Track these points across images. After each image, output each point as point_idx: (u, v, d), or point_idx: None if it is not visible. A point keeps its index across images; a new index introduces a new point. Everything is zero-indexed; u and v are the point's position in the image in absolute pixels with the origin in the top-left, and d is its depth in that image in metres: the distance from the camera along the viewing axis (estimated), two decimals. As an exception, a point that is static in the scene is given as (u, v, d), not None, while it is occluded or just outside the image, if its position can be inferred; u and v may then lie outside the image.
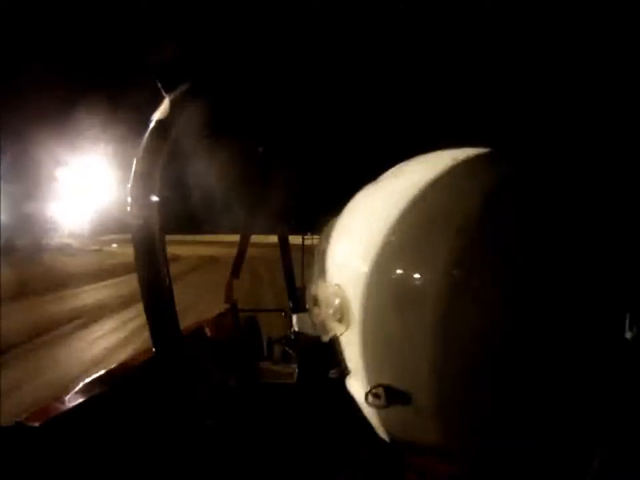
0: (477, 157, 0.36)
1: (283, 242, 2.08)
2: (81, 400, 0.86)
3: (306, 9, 0.37)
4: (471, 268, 0.31)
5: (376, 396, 0.35)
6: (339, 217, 0.42)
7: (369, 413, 0.39)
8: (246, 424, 1.18)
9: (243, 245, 2.08)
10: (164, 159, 0.43)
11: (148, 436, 0.91)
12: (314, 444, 0.97)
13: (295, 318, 1.69)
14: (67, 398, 0.87)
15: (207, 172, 0.79)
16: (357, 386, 0.39)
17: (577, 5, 0.35)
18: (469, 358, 0.31)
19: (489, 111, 0.59)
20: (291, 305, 2.03)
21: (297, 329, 1.67)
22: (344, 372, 0.41)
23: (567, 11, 0.35)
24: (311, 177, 0.95)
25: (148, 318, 0.46)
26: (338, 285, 0.37)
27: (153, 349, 0.50)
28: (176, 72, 0.41)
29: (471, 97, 0.55)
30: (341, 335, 0.38)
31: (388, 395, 0.34)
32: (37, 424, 0.76)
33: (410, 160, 0.41)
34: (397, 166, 0.41)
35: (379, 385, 0.35)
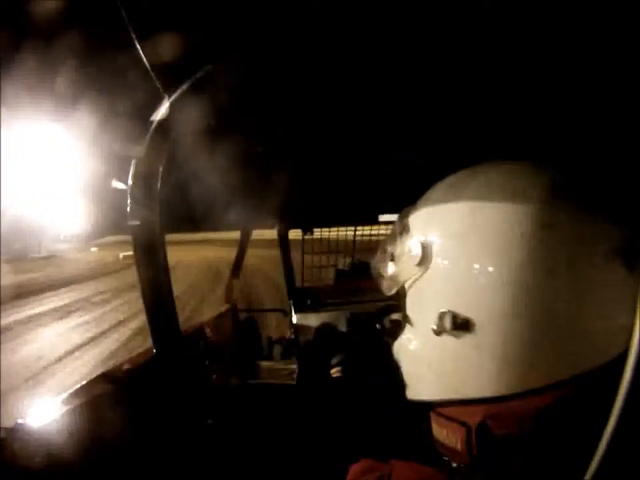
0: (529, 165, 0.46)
1: (283, 241, 2.08)
2: (81, 400, 0.86)
3: (306, 9, 0.37)
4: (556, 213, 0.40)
5: (441, 323, 0.43)
6: (422, 198, 0.52)
7: (417, 356, 0.48)
8: (246, 424, 1.18)
9: (243, 244, 2.07)
10: (164, 159, 0.43)
11: (148, 436, 0.91)
12: (314, 444, 0.97)
13: (295, 317, 1.69)
14: (67, 398, 0.87)
15: (207, 169, 0.79)
16: (412, 332, 0.49)
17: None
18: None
19: (486, 112, 0.59)
20: (291, 304, 2.03)
21: (297, 329, 1.67)
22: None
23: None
24: (310, 175, 0.95)
25: (148, 318, 0.46)
26: (421, 235, 0.47)
27: (154, 349, 0.51)
28: (176, 71, 0.41)
29: (467, 96, 0.55)
30: (414, 280, 0.48)
31: (455, 320, 0.42)
32: (36, 424, 0.76)
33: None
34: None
35: (448, 311, 0.43)
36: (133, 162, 0.42)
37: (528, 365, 0.40)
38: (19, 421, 0.77)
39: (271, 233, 2.11)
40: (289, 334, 2.22)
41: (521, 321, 0.39)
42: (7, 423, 0.77)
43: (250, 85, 0.48)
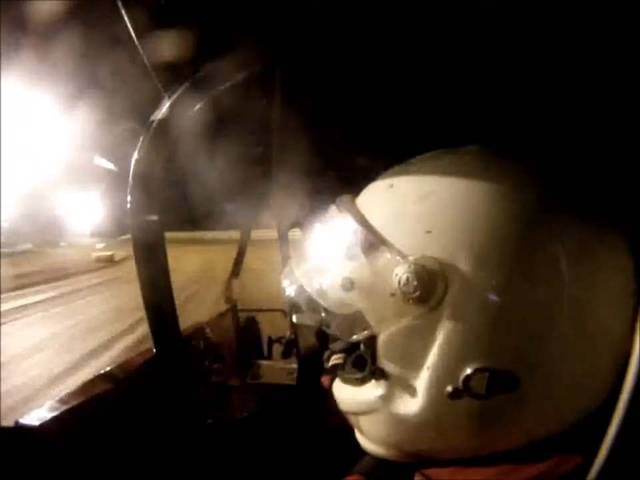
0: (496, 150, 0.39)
1: (283, 241, 2.08)
2: (81, 400, 0.86)
3: (307, 8, 0.37)
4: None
5: (468, 384, 0.30)
6: (373, 194, 0.40)
7: (408, 420, 0.34)
8: (246, 424, 1.18)
9: (243, 243, 2.07)
10: (164, 159, 0.43)
11: (148, 436, 0.91)
12: (314, 444, 0.97)
13: (295, 317, 1.68)
14: (67, 398, 0.87)
15: (206, 169, 0.79)
16: (388, 392, 0.35)
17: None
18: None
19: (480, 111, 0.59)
20: (291, 305, 2.03)
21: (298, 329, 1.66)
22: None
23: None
24: (310, 175, 0.95)
25: (148, 318, 0.46)
26: (424, 257, 0.31)
27: (153, 349, 0.50)
28: (176, 71, 0.41)
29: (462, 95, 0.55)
30: (409, 321, 0.33)
31: (495, 379, 0.29)
32: (37, 424, 0.76)
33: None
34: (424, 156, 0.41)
35: (481, 369, 0.29)
36: (133, 162, 0.42)
37: (575, 404, 0.32)
38: (19, 420, 0.77)
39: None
40: (288, 334, 2.22)
41: (566, 362, 0.31)
42: (7, 423, 0.77)
43: (250, 85, 0.48)
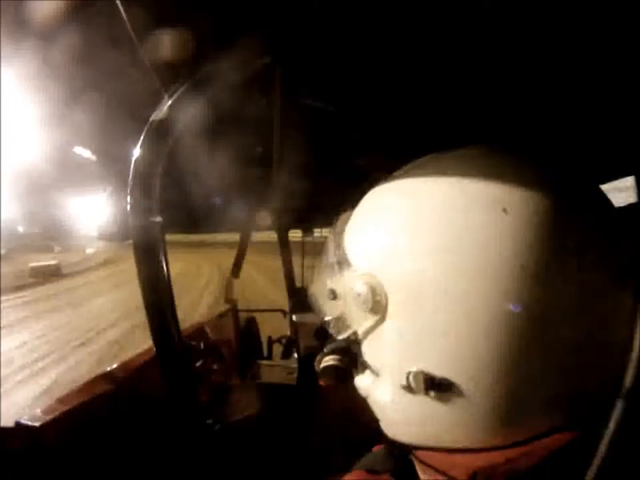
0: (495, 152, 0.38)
1: (283, 241, 2.08)
2: (81, 400, 0.86)
3: (306, 9, 0.37)
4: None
5: (413, 382, 0.34)
6: (357, 209, 0.43)
7: (388, 407, 0.39)
8: (246, 424, 1.19)
9: (243, 244, 2.08)
10: (164, 159, 0.43)
11: (148, 436, 0.91)
12: (314, 444, 0.97)
13: (295, 317, 1.68)
14: (67, 398, 0.87)
15: (206, 170, 0.79)
16: (375, 382, 0.40)
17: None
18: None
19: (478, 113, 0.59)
20: (291, 305, 2.03)
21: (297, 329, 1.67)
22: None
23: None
24: (310, 175, 0.95)
25: (148, 318, 0.46)
26: (369, 273, 0.37)
27: (154, 349, 0.50)
28: (176, 70, 0.41)
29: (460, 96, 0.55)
30: (369, 327, 0.38)
31: (428, 382, 0.34)
32: (37, 424, 0.76)
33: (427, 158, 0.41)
34: (412, 165, 0.41)
35: (420, 371, 0.34)
36: (133, 161, 0.42)
37: (523, 416, 0.34)
38: (19, 420, 0.77)
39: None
40: (288, 334, 2.22)
41: (515, 375, 0.33)
42: (7, 423, 0.77)
43: (250, 85, 0.48)
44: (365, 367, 0.41)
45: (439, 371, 0.34)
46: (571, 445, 0.33)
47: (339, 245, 0.42)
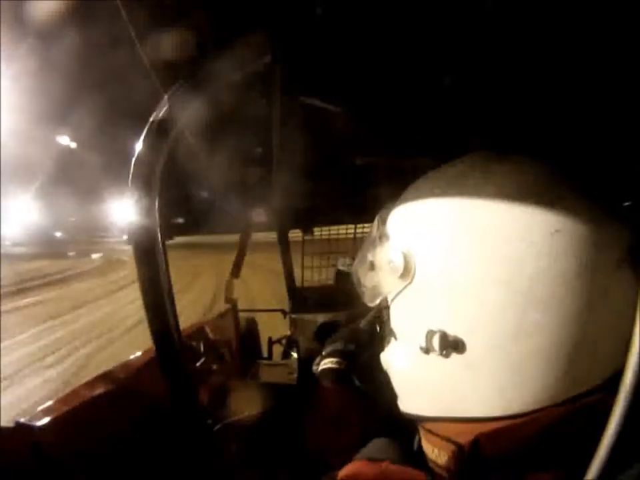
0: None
1: (283, 241, 2.08)
2: (81, 400, 0.86)
3: (306, 10, 0.37)
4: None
5: (429, 343, 0.39)
6: (402, 196, 0.47)
7: (406, 374, 0.44)
8: (246, 424, 1.18)
9: (243, 244, 2.07)
10: (163, 159, 0.43)
11: (148, 436, 0.91)
12: (314, 443, 0.97)
13: (295, 317, 1.68)
14: (67, 398, 0.87)
15: (205, 170, 0.79)
16: (398, 347, 0.45)
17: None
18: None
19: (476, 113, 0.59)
20: (291, 305, 2.03)
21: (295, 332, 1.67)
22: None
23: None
24: (310, 175, 0.95)
25: (148, 318, 0.46)
26: (404, 245, 0.42)
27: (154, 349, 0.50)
28: (176, 70, 0.41)
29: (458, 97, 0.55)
30: (398, 293, 0.43)
31: (443, 340, 0.38)
32: (37, 424, 0.76)
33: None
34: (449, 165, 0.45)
35: (438, 330, 0.38)
36: (132, 161, 0.42)
37: (527, 386, 0.36)
38: (19, 420, 0.77)
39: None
40: (288, 334, 2.22)
41: (523, 342, 0.35)
42: (7, 423, 0.77)
43: (250, 85, 0.48)
44: (390, 335, 0.47)
45: (455, 332, 0.38)
46: (572, 418, 0.35)
47: (383, 224, 0.48)
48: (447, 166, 0.45)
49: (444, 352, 0.38)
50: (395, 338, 0.46)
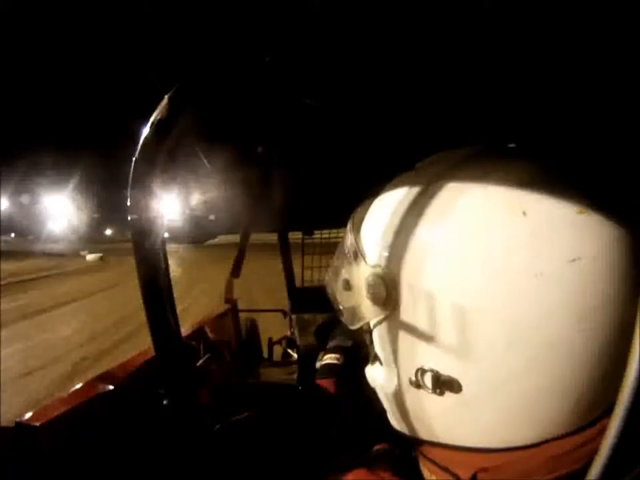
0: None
1: (283, 241, 2.08)
2: (81, 400, 0.86)
3: (308, 10, 0.37)
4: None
5: (421, 380, 0.35)
6: (375, 202, 0.43)
7: (396, 400, 0.39)
8: (246, 424, 1.18)
9: (243, 244, 2.08)
10: (163, 159, 0.43)
11: (148, 436, 0.91)
12: (314, 444, 0.97)
13: (295, 317, 1.69)
14: (67, 398, 0.87)
15: (206, 171, 0.79)
16: (384, 373, 0.40)
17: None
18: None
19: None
20: (291, 305, 2.03)
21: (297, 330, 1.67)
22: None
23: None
24: (311, 176, 0.95)
25: (148, 318, 0.46)
26: (382, 267, 0.36)
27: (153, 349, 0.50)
28: (176, 70, 0.41)
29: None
30: (379, 320, 0.38)
31: (437, 380, 0.34)
32: (37, 424, 0.76)
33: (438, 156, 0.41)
34: (428, 160, 0.41)
35: (429, 370, 0.34)
36: (133, 161, 0.42)
37: (529, 422, 0.33)
38: (19, 420, 0.77)
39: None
40: (288, 334, 2.22)
41: (525, 382, 0.31)
42: (7, 423, 0.77)
43: (251, 86, 0.48)
44: (375, 358, 0.42)
45: (448, 371, 0.34)
46: (573, 451, 0.32)
47: (355, 237, 0.41)
48: (424, 164, 0.40)
49: (437, 391, 0.34)
50: (381, 363, 0.41)
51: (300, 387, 1.59)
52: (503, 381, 0.32)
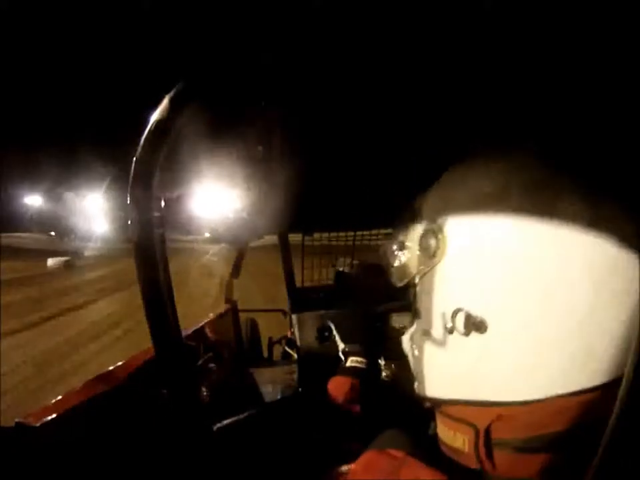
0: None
1: (283, 242, 2.08)
2: (80, 400, 0.86)
3: (306, 12, 0.37)
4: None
5: (453, 321, 0.40)
6: (437, 183, 0.48)
7: (429, 356, 0.45)
8: (246, 424, 1.18)
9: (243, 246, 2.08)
10: (163, 159, 0.43)
11: (148, 436, 0.91)
12: (314, 445, 0.97)
13: (295, 317, 1.68)
14: (67, 398, 0.87)
15: (206, 171, 0.79)
16: (421, 327, 0.46)
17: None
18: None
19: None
20: (291, 305, 2.03)
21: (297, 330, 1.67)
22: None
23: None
24: (311, 176, 0.95)
25: (148, 318, 0.46)
26: (437, 226, 0.43)
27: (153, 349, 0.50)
28: (176, 70, 0.41)
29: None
30: (427, 272, 0.44)
31: (468, 320, 0.39)
32: (37, 424, 0.76)
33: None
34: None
35: (463, 310, 0.39)
36: (133, 161, 0.42)
37: (544, 373, 0.36)
38: (19, 420, 0.77)
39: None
40: (289, 334, 2.22)
41: (546, 327, 0.36)
42: (7, 423, 0.77)
43: (251, 86, 0.48)
44: (414, 315, 0.48)
45: (480, 313, 0.38)
46: (588, 406, 0.35)
47: (416, 208, 0.48)
48: (480, 157, 0.45)
49: (466, 331, 0.39)
50: (420, 318, 0.47)
51: (299, 388, 1.60)
52: (525, 324, 0.36)
